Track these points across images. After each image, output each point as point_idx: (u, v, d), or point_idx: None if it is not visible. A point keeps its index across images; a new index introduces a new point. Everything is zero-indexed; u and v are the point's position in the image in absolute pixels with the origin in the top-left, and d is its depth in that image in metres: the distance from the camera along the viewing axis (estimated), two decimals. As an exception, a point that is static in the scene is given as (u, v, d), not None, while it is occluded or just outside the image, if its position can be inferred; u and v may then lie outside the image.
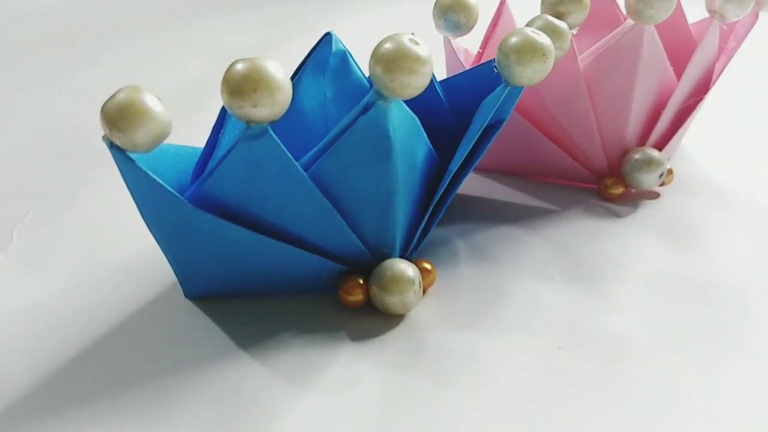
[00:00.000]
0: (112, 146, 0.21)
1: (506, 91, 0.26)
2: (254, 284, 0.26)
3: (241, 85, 0.20)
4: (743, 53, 0.47)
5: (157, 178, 0.22)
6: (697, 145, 0.38)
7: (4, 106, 0.44)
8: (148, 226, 0.24)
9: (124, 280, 0.27)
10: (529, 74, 0.25)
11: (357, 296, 0.25)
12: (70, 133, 0.40)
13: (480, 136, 0.28)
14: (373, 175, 0.24)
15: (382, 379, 0.22)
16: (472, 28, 0.31)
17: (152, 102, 0.21)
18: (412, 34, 0.28)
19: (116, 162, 0.21)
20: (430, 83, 0.29)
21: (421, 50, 0.21)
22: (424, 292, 0.27)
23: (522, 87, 0.27)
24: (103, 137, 0.21)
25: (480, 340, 0.24)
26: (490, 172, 0.36)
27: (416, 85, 0.22)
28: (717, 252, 0.29)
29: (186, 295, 0.26)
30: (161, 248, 0.25)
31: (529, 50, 0.24)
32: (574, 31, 0.30)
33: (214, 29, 0.62)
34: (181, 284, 0.26)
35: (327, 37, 0.27)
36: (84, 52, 0.55)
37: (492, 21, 0.34)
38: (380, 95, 0.22)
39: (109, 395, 0.22)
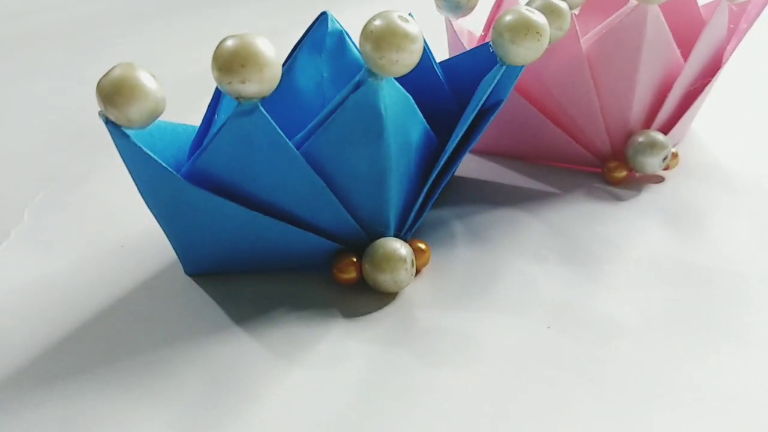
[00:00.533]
0: (107, 122, 0.22)
1: (502, 71, 0.26)
2: (250, 261, 0.26)
3: (230, 61, 0.20)
4: (756, 35, 0.47)
5: (151, 154, 0.22)
6: (706, 128, 0.38)
7: (22, 93, 0.46)
8: (146, 203, 0.25)
9: (127, 257, 0.28)
10: (523, 53, 0.24)
11: (350, 274, 0.25)
12: (83, 118, 0.41)
13: (478, 117, 0.28)
14: (366, 153, 0.24)
15: (371, 356, 0.22)
16: (473, 8, 0.31)
17: (146, 78, 0.21)
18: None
19: (112, 138, 0.22)
20: (428, 63, 0.29)
21: (411, 27, 0.22)
22: (418, 271, 0.27)
23: (519, 67, 0.27)
24: (99, 113, 0.22)
25: (470, 319, 0.24)
26: (493, 155, 0.36)
27: (405, 62, 0.22)
28: (719, 238, 0.28)
29: (186, 272, 0.27)
30: (160, 225, 0.25)
31: (522, 28, 0.24)
32: (576, 11, 0.30)
33: (224, 18, 0.63)
34: (180, 261, 0.27)
35: (323, 17, 0.27)
36: (97, 42, 0.56)
37: (495, 3, 0.34)
38: (371, 73, 0.22)
39: (105, 367, 0.22)
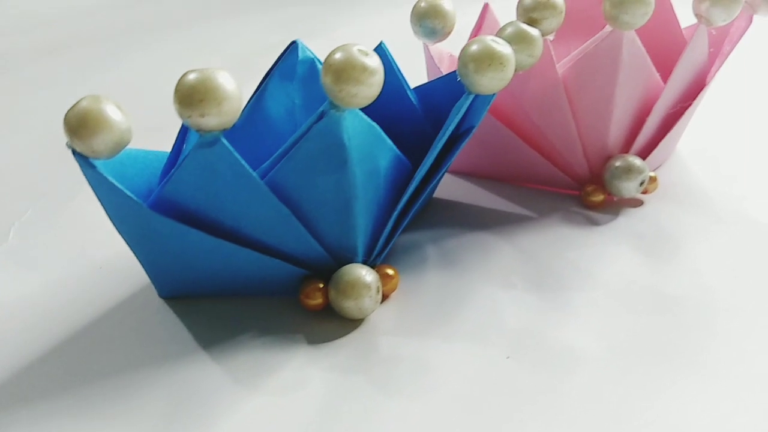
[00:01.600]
0: (74, 152, 0.22)
1: (470, 100, 0.26)
2: (220, 285, 0.27)
3: (189, 95, 0.21)
4: (741, 58, 0.46)
5: (117, 184, 0.23)
6: (691, 151, 0.37)
7: (13, 109, 0.47)
8: (117, 230, 0.25)
9: (105, 279, 0.29)
10: (486, 83, 0.25)
11: (317, 300, 0.26)
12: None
13: (450, 143, 0.29)
14: (331, 181, 0.24)
15: (328, 383, 0.23)
16: (449, 33, 0.32)
17: (111, 111, 0.22)
18: (381, 43, 0.28)
19: (80, 167, 0.23)
20: (400, 89, 0.30)
21: (370, 61, 0.22)
22: (386, 296, 0.27)
23: (491, 96, 0.27)
24: (66, 144, 0.22)
25: (431, 347, 0.24)
26: (473, 176, 0.36)
27: (364, 95, 0.22)
28: (691, 264, 0.28)
29: (159, 295, 0.28)
30: (131, 250, 0.26)
31: (486, 59, 0.24)
32: (551, 37, 0.30)
33: (233, 30, 0.64)
34: (153, 284, 0.27)
35: (293, 46, 0.28)
36: (87, 59, 0.57)
37: (475, 26, 0.34)
38: (333, 104, 0.23)
39: (71, 389, 0.23)
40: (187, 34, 0.64)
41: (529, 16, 0.29)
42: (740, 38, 0.34)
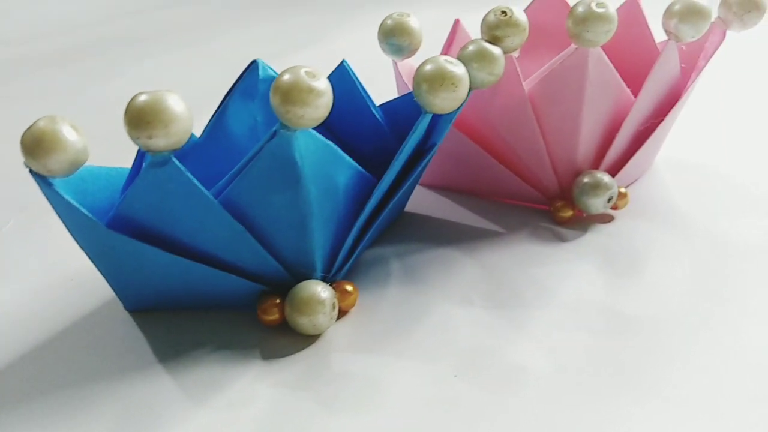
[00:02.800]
0: (31, 172, 0.23)
1: (427, 119, 0.26)
2: (181, 300, 0.27)
3: (136, 117, 0.21)
4: (720, 72, 0.46)
5: (72, 201, 0.23)
6: (668, 167, 0.37)
7: (12, 117, 0.48)
8: (78, 245, 0.26)
9: (75, 291, 0.29)
10: (439, 103, 0.25)
11: (273, 315, 0.26)
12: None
13: (414, 159, 0.29)
14: (285, 199, 0.24)
15: (275, 399, 0.23)
16: (416, 50, 0.32)
17: (67, 132, 0.22)
18: (344, 61, 0.29)
19: (38, 185, 0.23)
20: (363, 105, 0.30)
21: (317, 83, 0.22)
22: (345, 313, 0.27)
23: (453, 113, 0.28)
24: (24, 163, 0.23)
25: (381, 364, 0.24)
26: (447, 190, 0.36)
27: (311, 116, 0.22)
28: (655, 284, 0.28)
29: (125, 308, 0.28)
30: (94, 265, 0.26)
31: (438, 79, 0.25)
32: (516, 54, 0.30)
33: (235, 40, 0.65)
34: (118, 297, 0.28)
35: (253, 65, 0.28)
36: (102, 65, 0.58)
37: (446, 41, 0.35)
38: (283, 124, 0.23)
39: (27, 401, 0.24)
40: (187, 45, 0.65)
41: (492, 33, 0.29)
42: (714, 53, 0.33)
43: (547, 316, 0.27)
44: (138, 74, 0.57)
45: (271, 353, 0.25)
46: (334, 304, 0.26)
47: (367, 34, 0.62)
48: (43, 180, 0.23)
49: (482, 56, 0.27)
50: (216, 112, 0.28)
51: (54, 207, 0.24)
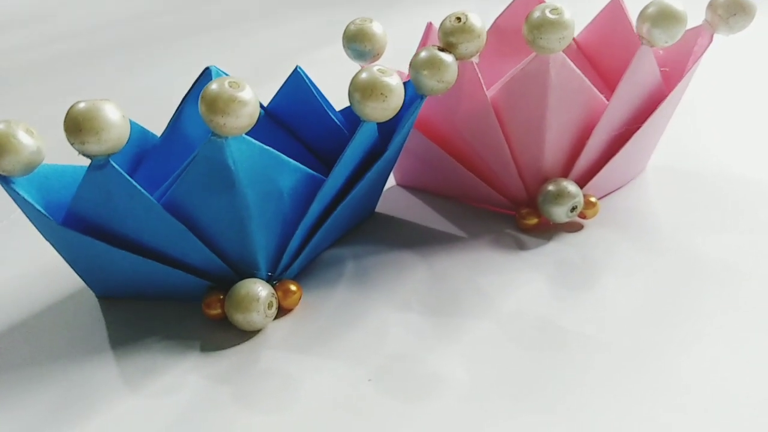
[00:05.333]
0: (-7, 171, 0.25)
1: (365, 127, 0.27)
2: (138, 290, 0.29)
3: (70, 125, 0.23)
4: (721, 77, 0.44)
5: (28, 198, 0.25)
6: (657, 175, 0.36)
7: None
8: (44, 237, 0.28)
9: (54, 276, 0.32)
10: (369, 112, 0.25)
11: (216, 310, 0.27)
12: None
13: (366, 164, 0.29)
14: (222, 201, 0.26)
15: (199, 391, 0.24)
16: (380, 55, 0.32)
17: (20, 135, 0.24)
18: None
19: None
20: (320, 110, 0.31)
21: (241, 93, 0.23)
22: (289, 311, 0.28)
23: (407, 120, 0.28)
24: (-14, 162, 0.25)
25: (305, 364, 0.25)
26: (423, 191, 0.36)
27: (233, 125, 0.23)
28: (603, 300, 0.27)
29: (95, 294, 0.30)
30: (59, 254, 0.29)
31: (368, 88, 0.25)
32: (475, 60, 0.30)
33: (265, 35, 0.67)
34: (86, 284, 0.30)
35: (207, 71, 0.29)
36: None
37: (419, 44, 0.35)
38: (213, 131, 0.24)
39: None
40: (219, 39, 0.67)
41: (447, 39, 0.29)
42: (701, 56, 0.32)
43: (480, 326, 0.27)
44: (166, 71, 0.60)
45: (209, 346, 0.27)
46: (271, 303, 0.27)
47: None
48: (2, 179, 0.25)
49: (432, 64, 0.28)
50: (173, 115, 0.30)
51: (16, 203, 0.27)
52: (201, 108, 0.23)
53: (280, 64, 0.55)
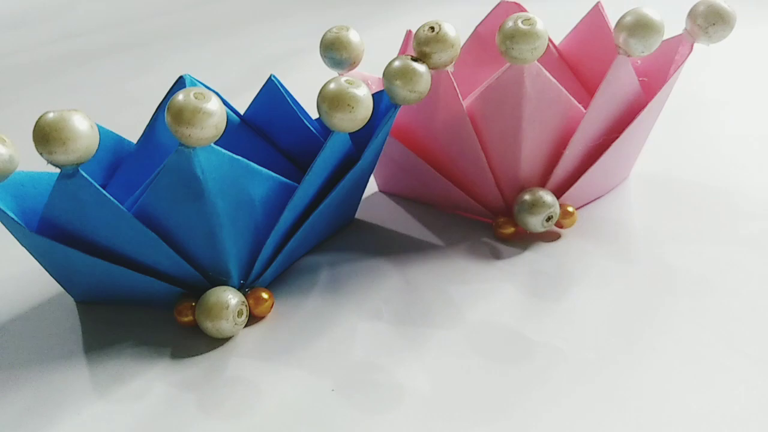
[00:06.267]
0: (-32, 178, 0.26)
1: (334, 137, 0.27)
2: (113, 296, 0.29)
3: (39, 135, 0.23)
4: (708, 86, 0.43)
5: (0, 205, 0.26)
6: (641, 183, 0.36)
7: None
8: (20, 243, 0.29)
9: (35, 281, 0.32)
10: (337, 123, 0.25)
11: (187, 317, 0.28)
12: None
13: (340, 172, 0.30)
14: (192, 210, 0.26)
15: (165, 397, 0.25)
16: (357, 63, 0.32)
17: (-7, 145, 0.25)
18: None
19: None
20: (296, 118, 0.31)
21: (207, 105, 0.23)
22: (260, 318, 0.28)
23: (380, 129, 0.28)
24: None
25: (271, 372, 0.25)
26: (405, 198, 0.36)
27: (198, 136, 0.23)
28: (572, 311, 0.27)
29: (74, 299, 0.31)
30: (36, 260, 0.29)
31: (335, 99, 0.25)
32: (451, 68, 0.30)
33: (257, 38, 0.67)
34: (64, 289, 0.31)
35: (180, 80, 0.30)
36: (141, 59, 0.62)
37: (399, 51, 0.35)
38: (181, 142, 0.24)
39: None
40: (214, 41, 0.68)
41: (421, 49, 0.29)
42: (682, 65, 0.31)
43: (447, 336, 0.27)
44: (177, 66, 0.60)
45: (179, 353, 0.27)
46: (241, 311, 0.27)
47: (398, 29, 0.62)
48: (-24, 185, 0.26)
49: (404, 73, 0.28)
50: (149, 123, 0.30)
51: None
52: (167, 118, 0.24)
53: (267, 70, 0.55)
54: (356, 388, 0.24)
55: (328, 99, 0.25)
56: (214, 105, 0.24)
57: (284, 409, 0.24)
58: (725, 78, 0.48)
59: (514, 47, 0.28)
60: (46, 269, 0.29)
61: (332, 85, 0.25)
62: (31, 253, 0.29)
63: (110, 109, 0.52)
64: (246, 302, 0.28)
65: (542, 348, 0.26)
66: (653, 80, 0.32)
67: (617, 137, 0.32)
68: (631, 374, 0.24)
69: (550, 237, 0.32)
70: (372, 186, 0.37)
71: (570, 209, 0.32)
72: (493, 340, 0.26)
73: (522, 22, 0.27)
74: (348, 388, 0.24)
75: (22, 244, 0.28)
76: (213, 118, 0.24)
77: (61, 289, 0.31)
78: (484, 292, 0.29)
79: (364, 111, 0.26)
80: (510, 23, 0.28)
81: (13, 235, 0.28)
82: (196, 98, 0.23)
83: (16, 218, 0.26)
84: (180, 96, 0.24)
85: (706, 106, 0.44)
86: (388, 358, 0.26)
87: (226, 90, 0.36)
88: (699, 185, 0.35)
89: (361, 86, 0.26)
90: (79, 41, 0.70)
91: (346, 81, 0.25)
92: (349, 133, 0.28)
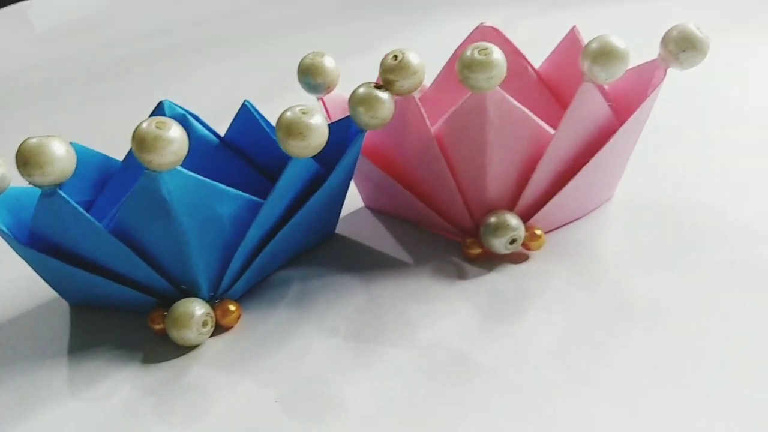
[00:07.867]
0: (-35, 191, 0.28)
1: (292, 163, 0.28)
2: (99, 301, 0.32)
3: (19, 159, 0.26)
4: (696, 107, 0.42)
5: (-7, 219, 0.29)
6: (621, 207, 0.35)
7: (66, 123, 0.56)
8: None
9: (33, 285, 0.35)
10: (291, 150, 0.27)
11: (159, 325, 0.30)
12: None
13: (307, 193, 0.31)
14: (161, 228, 0.28)
15: (127, 401, 0.27)
16: (332, 87, 0.34)
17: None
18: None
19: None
20: (269, 139, 0.32)
21: (168, 133, 0.25)
22: (228, 328, 0.30)
23: (348, 153, 0.30)
24: (-35, 184, 0.28)
25: (227, 381, 0.27)
26: (385, 214, 0.37)
27: (160, 162, 0.25)
28: (524, 336, 0.28)
29: (69, 303, 0.34)
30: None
31: (288, 127, 0.27)
32: (417, 94, 0.31)
33: (299, 44, 0.69)
34: (58, 293, 0.33)
35: (160, 105, 0.32)
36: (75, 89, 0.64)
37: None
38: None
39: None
40: (236, 53, 0.70)
41: (385, 77, 0.30)
42: (655, 90, 0.31)
43: (396, 355, 0.28)
44: (204, 77, 0.63)
45: (150, 358, 0.29)
46: (206, 321, 0.29)
47: (417, 39, 0.63)
48: (-29, 198, 0.29)
49: (366, 100, 0.29)
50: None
51: (-13, 220, 0.30)
52: (132, 145, 0.26)
53: (263, 90, 0.56)
54: (298, 401, 0.26)
55: (283, 127, 0.27)
56: (174, 133, 0.25)
57: (230, 417, 0.25)
58: (723, 99, 0.46)
59: (471, 76, 0.28)
60: (40, 276, 0.32)
61: (288, 114, 0.27)
62: (26, 262, 0.31)
63: (102, 128, 0.53)
64: (212, 313, 0.30)
65: (486, 371, 0.26)
66: (630, 104, 0.32)
67: (586, 162, 0.32)
68: (567, 403, 0.25)
69: (518, 258, 0.33)
70: (358, 201, 0.39)
71: (538, 232, 0.32)
72: (438, 360, 0.27)
73: (479, 52, 0.28)
74: (291, 401, 0.26)
75: (18, 254, 0.31)
76: (173, 145, 0.25)
77: (56, 294, 0.34)
78: (440, 312, 0.30)
79: (317, 139, 0.27)
80: (468, 52, 0.28)
81: (10, 245, 0.31)
82: (157, 127, 0.25)
83: (9, 233, 0.29)
84: (144, 124, 0.25)
85: (696, 127, 0.43)
86: (334, 373, 0.27)
87: (219, 111, 0.38)
88: (681, 209, 0.35)
89: (315, 115, 0.27)
90: (85, 60, 0.73)
91: (300, 110, 0.27)
92: (320, 155, 0.29)
